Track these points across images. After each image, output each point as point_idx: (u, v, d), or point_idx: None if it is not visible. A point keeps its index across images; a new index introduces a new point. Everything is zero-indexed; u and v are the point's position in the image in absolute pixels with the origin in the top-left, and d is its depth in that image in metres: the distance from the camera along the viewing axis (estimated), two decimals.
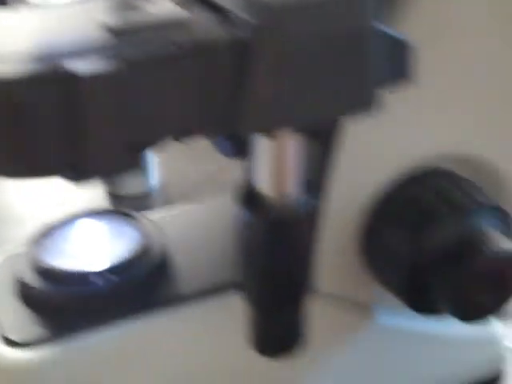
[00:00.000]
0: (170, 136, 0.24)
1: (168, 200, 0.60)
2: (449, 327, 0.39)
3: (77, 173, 0.22)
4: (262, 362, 0.31)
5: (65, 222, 0.37)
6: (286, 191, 0.26)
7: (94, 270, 0.34)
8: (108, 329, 0.33)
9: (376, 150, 0.33)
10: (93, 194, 0.61)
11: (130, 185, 0.60)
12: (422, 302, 0.33)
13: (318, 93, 0.23)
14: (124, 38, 0.23)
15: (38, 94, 0.21)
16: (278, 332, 0.30)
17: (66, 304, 0.33)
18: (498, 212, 0.33)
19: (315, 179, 0.33)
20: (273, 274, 0.27)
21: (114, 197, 0.60)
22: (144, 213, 0.39)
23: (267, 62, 0.23)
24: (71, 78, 0.21)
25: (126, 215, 0.38)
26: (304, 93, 0.23)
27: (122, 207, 0.60)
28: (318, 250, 0.35)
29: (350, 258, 0.36)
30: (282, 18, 0.23)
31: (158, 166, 0.61)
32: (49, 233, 0.36)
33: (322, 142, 0.33)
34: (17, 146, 0.22)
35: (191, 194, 0.60)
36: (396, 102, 0.31)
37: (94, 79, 0.21)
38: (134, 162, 0.24)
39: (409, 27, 0.30)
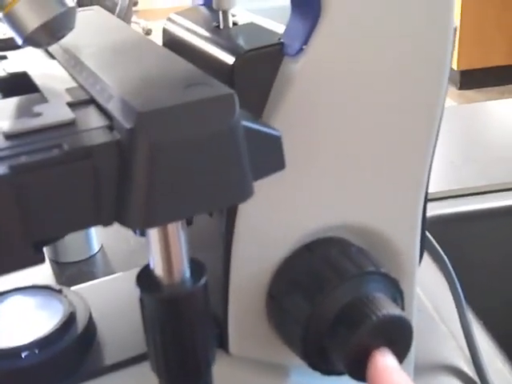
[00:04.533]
0: (69, 231, 0.27)
1: (108, 265, 0.63)
2: None
3: None
4: None
5: None
6: (173, 271, 0.29)
7: (20, 345, 0.36)
8: None
9: (270, 226, 0.36)
10: None
11: (72, 252, 0.62)
12: (322, 363, 0.36)
13: (194, 190, 0.27)
14: (15, 142, 0.27)
15: None
16: None
17: None
18: (385, 278, 0.36)
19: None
20: (170, 348, 0.30)
21: (57, 264, 0.63)
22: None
23: (141, 164, 0.26)
24: None
25: (52, 289, 0.40)
26: (180, 191, 0.26)
27: (65, 273, 0.62)
28: (227, 315, 0.39)
29: (258, 322, 0.39)
30: (151, 122, 0.26)
31: (98, 231, 0.64)
32: None
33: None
34: None
35: (131, 259, 0.63)
36: (282, 184, 0.35)
37: None
38: (39, 258, 0.27)
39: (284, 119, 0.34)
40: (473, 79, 2.99)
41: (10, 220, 0.25)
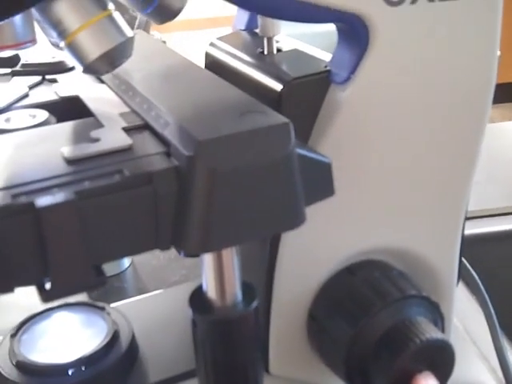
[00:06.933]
0: (128, 255, 0.28)
1: (139, 280, 0.64)
2: None
3: (47, 295, 0.26)
4: None
5: (40, 315, 0.41)
6: (226, 294, 0.30)
7: (67, 363, 0.37)
8: None
9: (313, 248, 0.37)
10: None
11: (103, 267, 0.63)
12: None
13: (250, 216, 0.27)
14: (79, 169, 0.28)
15: (5, 224, 0.25)
16: None
17: None
18: (426, 302, 0.37)
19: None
20: (221, 368, 0.31)
21: None
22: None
23: (200, 190, 0.26)
24: (35, 211, 0.25)
25: (95, 307, 0.41)
26: (237, 217, 0.27)
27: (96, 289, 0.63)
28: (268, 336, 0.39)
29: (299, 342, 0.39)
30: (211, 150, 0.27)
31: None
32: (26, 326, 0.40)
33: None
34: None
35: (161, 274, 0.63)
36: (326, 207, 0.36)
37: (52, 210, 0.25)
38: (101, 280, 0.28)
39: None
40: None
41: (74, 244, 0.26)
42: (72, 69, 0.41)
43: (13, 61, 0.46)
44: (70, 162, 0.28)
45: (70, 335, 0.39)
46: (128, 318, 0.41)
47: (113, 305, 0.44)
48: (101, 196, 0.26)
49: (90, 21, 0.29)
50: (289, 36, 0.42)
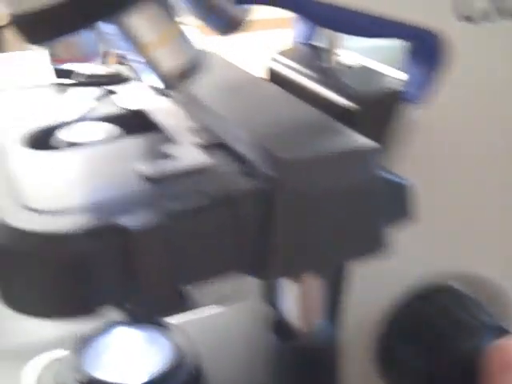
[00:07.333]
0: (209, 278, 0.27)
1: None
2: None
3: (133, 317, 0.25)
4: None
5: (102, 330, 0.40)
6: (311, 322, 0.29)
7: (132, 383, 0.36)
8: None
9: (384, 276, 0.36)
10: None
11: None
12: None
13: (335, 240, 0.27)
14: (160, 188, 0.27)
15: (93, 246, 0.24)
16: None
17: None
18: (499, 330, 0.36)
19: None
20: None
21: None
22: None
23: (287, 213, 0.26)
24: (123, 233, 0.24)
25: (158, 324, 0.41)
26: (322, 241, 0.26)
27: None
28: (340, 368, 0.38)
29: (368, 371, 0.38)
30: (299, 172, 0.26)
31: None
32: (88, 341, 0.39)
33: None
34: (75, 293, 0.25)
35: (209, 288, 0.63)
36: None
37: (143, 233, 0.24)
38: (185, 303, 0.27)
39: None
40: None
41: (161, 266, 0.25)
42: (128, 80, 0.41)
43: (66, 72, 0.46)
44: (149, 179, 0.28)
45: (133, 352, 0.39)
46: (190, 337, 0.40)
47: (173, 322, 0.43)
48: (188, 218, 0.26)
49: (168, 33, 0.29)
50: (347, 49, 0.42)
